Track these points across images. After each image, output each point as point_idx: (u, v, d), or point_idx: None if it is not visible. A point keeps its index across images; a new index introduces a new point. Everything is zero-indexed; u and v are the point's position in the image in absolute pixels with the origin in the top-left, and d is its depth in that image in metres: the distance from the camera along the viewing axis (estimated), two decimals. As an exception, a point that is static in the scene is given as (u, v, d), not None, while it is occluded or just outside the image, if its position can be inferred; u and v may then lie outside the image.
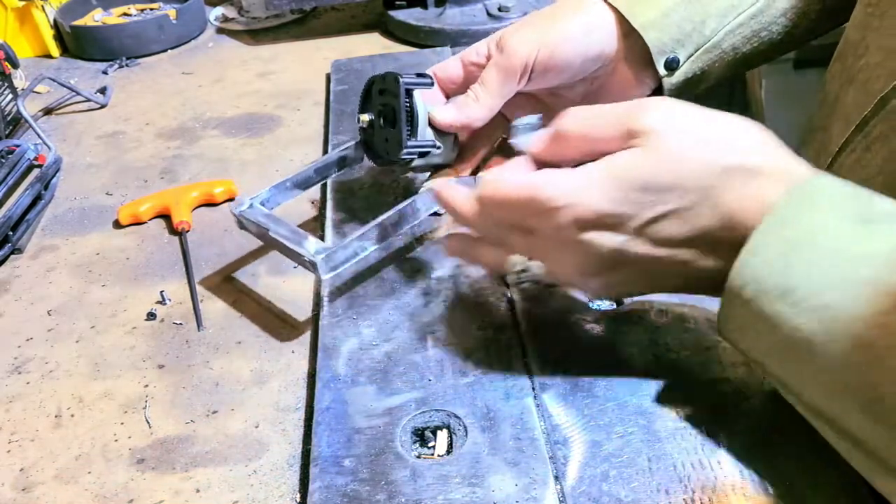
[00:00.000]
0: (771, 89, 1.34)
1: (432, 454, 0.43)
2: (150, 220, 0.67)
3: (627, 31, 0.54)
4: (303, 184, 0.59)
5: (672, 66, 0.56)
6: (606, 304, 0.51)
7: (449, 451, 0.43)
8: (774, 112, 1.33)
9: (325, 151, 0.69)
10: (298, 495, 0.43)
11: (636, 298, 0.51)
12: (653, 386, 0.45)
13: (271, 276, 0.59)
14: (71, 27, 0.98)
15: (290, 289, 0.58)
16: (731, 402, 0.44)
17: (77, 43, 1.00)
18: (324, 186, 0.69)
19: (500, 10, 0.93)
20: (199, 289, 0.58)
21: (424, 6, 0.97)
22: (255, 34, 1.03)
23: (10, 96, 0.83)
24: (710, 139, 0.40)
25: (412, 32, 0.95)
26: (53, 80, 0.87)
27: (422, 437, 0.44)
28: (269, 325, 0.54)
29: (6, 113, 0.81)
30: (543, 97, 0.60)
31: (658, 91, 0.58)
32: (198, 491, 0.44)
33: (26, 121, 0.79)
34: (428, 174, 0.60)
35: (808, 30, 0.61)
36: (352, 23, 1.05)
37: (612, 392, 0.45)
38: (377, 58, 0.88)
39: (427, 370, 0.47)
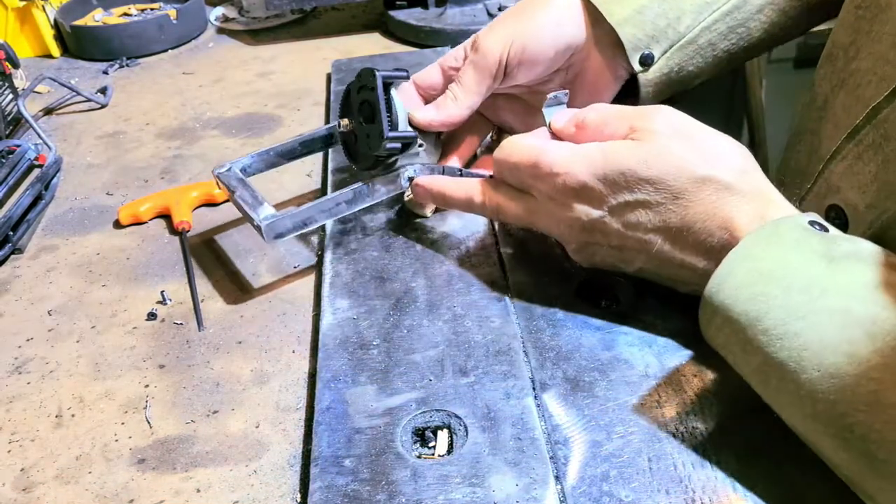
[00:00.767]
0: (771, 89, 1.34)
1: (433, 454, 0.43)
2: (150, 220, 0.67)
3: (597, 19, 0.56)
4: (287, 154, 0.61)
5: (647, 61, 0.57)
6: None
7: (449, 451, 0.43)
8: (774, 112, 1.33)
9: (325, 152, 0.70)
10: (299, 495, 0.43)
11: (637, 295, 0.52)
12: (653, 386, 0.45)
13: (271, 275, 0.59)
14: (71, 27, 0.98)
15: (290, 289, 0.58)
16: (732, 401, 0.44)
17: (77, 43, 1.00)
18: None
19: (500, 10, 0.93)
20: (199, 289, 0.58)
21: (425, 6, 0.97)
22: (256, 34, 1.03)
23: (11, 96, 0.83)
24: (696, 150, 0.44)
25: (412, 32, 0.95)
26: (54, 80, 0.87)
27: (422, 437, 0.44)
28: (269, 325, 0.54)
29: (6, 113, 0.81)
30: (525, 96, 0.61)
31: (634, 83, 0.59)
32: (198, 491, 0.44)
33: (27, 121, 0.79)
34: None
35: (786, 27, 0.61)
36: (352, 23, 1.05)
37: (612, 392, 0.45)
38: (377, 58, 0.88)
39: (427, 370, 0.47)
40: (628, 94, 0.61)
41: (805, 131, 0.57)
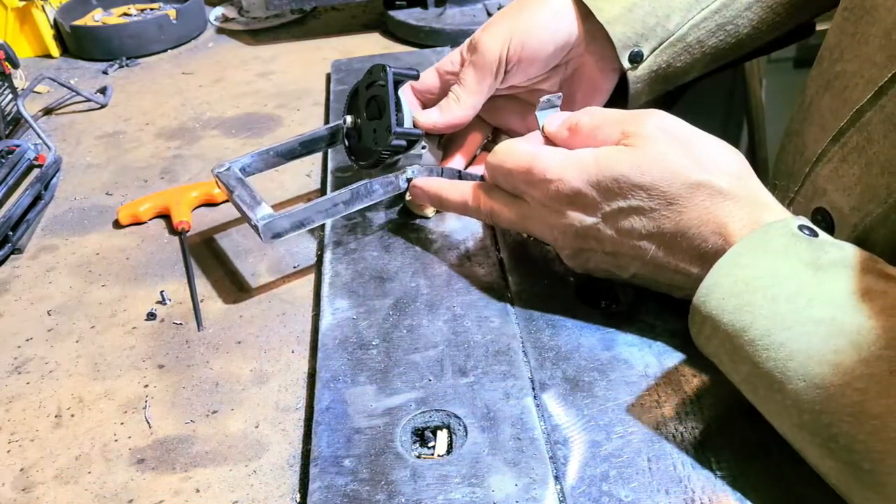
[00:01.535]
0: (771, 89, 1.35)
1: (432, 454, 0.43)
2: (150, 220, 0.67)
3: (587, 17, 0.57)
4: (286, 154, 0.61)
5: (636, 59, 0.58)
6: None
7: (449, 451, 0.43)
8: (774, 112, 1.33)
9: (325, 152, 0.70)
10: (298, 495, 0.43)
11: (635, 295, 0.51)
12: (652, 386, 0.45)
13: (271, 275, 0.59)
14: (71, 27, 0.98)
15: (289, 288, 0.58)
16: (731, 402, 0.44)
17: (77, 43, 1.00)
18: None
19: (499, 9, 0.93)
20: (198, 289, 0.58)
21: (425, 6, 0.97)
22: (255, 34, 1.03)
23: (10, 96, 0.83)
24: (690, 155, 0.44)
25: (412, 32, 0.95)
26: (53, 80, 0.87)
27: (422, 437, 0.44)
28: (269, 325, 0.54)
29: (6, 113, 0.81)
30: (523, 96, 0.61)
31: (623, 80, 0.60)
32: (198, 491, 0.44)
33: (26, 121, 0.79)
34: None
35: (775, 24, 0.61)
36: (352, 23, 1.05)
37: (612, 392, 0.45)
38: (377, 58, 0.88)
39: (427, 370, 0.47)
40: (617, 91, 0.61)
41: (793, 133, 0.57)
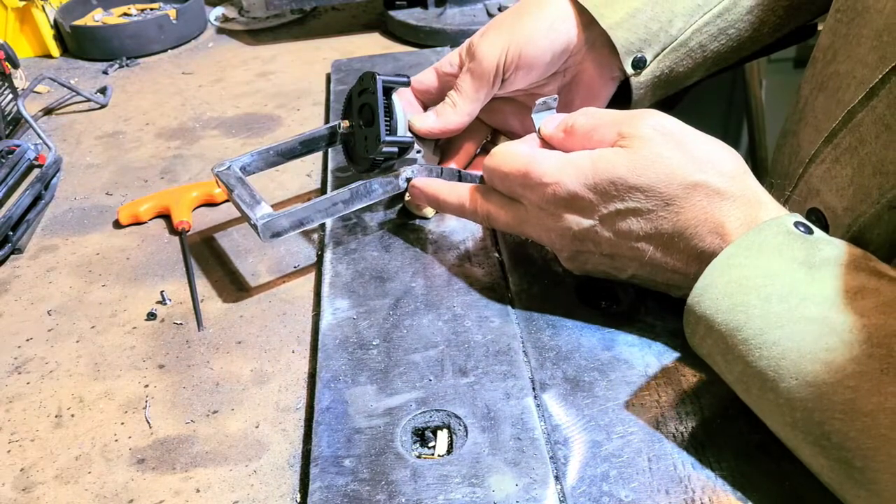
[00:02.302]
0: (771, 89, 1.35)
1: (432, 454, 0.43)
2: (150, 220, 0.67)
3: (589, 22, 0.57)
4: (287, 153, 0.61)
5: (639, 65, 0.58)
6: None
7: (449, 451, 0.43)
8: (774, 112, 1.33)
9: (325, 152, 0.70)
10: (298, 495, 0.43)
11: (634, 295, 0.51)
12: (652, 386, 0.45)
13: (271, 275, 0.59)
14: (71, 27, 0.98)
15: (289, 288, 0.58)
16: (731, 401, 0.44)
17: (77, 43, 1.00)
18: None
19: (500, 10, 0.93)
20: (199, 289, 0.58)
21: (425, 6, 0.97)
22: (255, 34, 1.03)
23: (11, 96, 0.83)
24: (686, 155, 0.44)
25: (412, 32, 0.95)
26: (53, 80, 0.87)
27: (422, 437, 0.44)
28: (269, 325, 0.54)
29: (6, 113, 0.81)
30: (521, 99, 0.61)
31: (627, 85, 0.60)
32: (198, 491, 0.44)
33: (26, 121, 0.79)
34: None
35: (776, 27, 0.62)
36: (352, 23, 1.05)
37: (612, 392, 0.45)
38: (377, 58, 0.88)
39: (427, 370, 0.47)
40: (620, 96, 0.61)
41: (789, 133, 0.57)
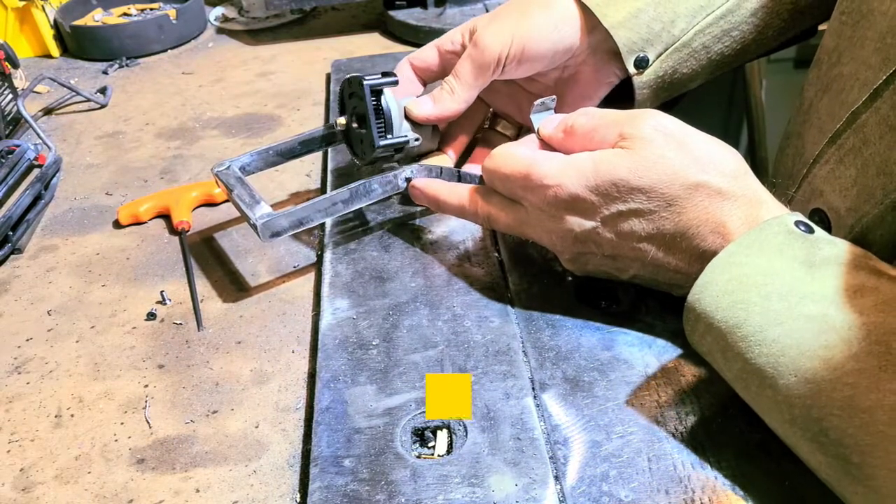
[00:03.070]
0: (771, 89, 1.35)
1: (432, 454, 0.43)
2: (150, 220, 0.67)
3: (592, 26, 0.57)
4: (286, 153, 0.61)
5: (641, 64, 0.58)
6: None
7: (449, 451, 0.43)
8: (774, 112, 1.33)
9: (325, 152, 0.70)
10: (298, 495, 0.43)
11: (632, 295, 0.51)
12: (652, 386, 0.45)
13: (271, 275, 0.59)
14: (71, 27, 0.98)
15: (289, 288, 0.58)
16: (731, 401, 0.44)
17: (77, 43, 1.00)
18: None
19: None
20: (198, 289, 0.58)
21: (424, 6, 0.97)
22: (255, 34, 1.03)
23: (10, 96, 0.83)
24: (688, 155, 0.44)
25: (412, 32, 0.95)
26: (53, 80, 0.87)
27: (422, 437, 0.44)
28: (269, 325, 0.54)
29: (6, 113, 0.81)
30: (520, 82, 0.61)
31: (625, 83, 0.60)
32: (198, 491, 0.44)
33: (26, 121, 0.79)
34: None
35: (780, 30, 0.62)
36: (352, 23, 1.05)
37: (612, 392, 0.45)
38: (377, 58, 0.88)
39: (427, 370, 0.47)
40: (624, 97, 0.61)
41: (792, 135, 0.57)
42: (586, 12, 0.56)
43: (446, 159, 0.62)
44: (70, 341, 0.55)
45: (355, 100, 0.57)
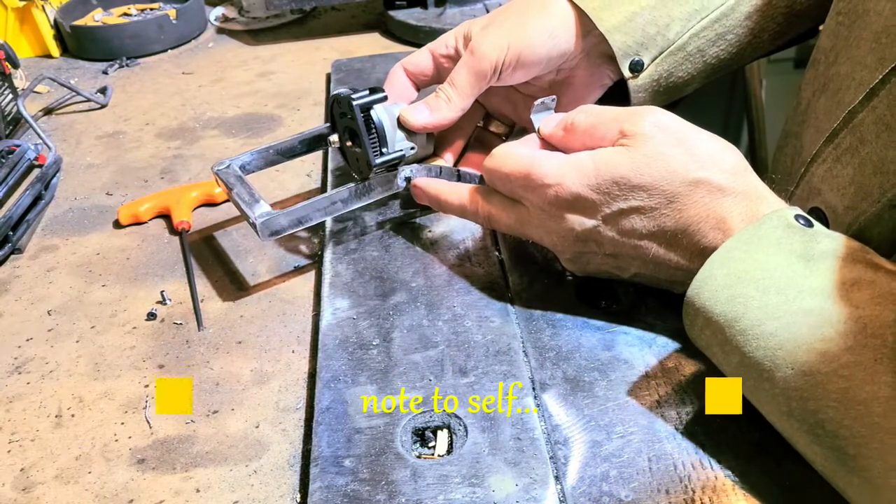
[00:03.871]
0: (771, 89, 1.35)
1: (432, 454, 0.43)
2: (150, 220, 0.67)
3: (587, 30, 0.57)
4: (286, 152, 0.61)
5: (636, 68, 0.58)
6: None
7: (449, 451, 0.43)
8: (774, 112, 1.33)
9: (325, 151, 0.70)
10: (298, 495, 0.43)
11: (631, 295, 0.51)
12: (652, 386, 0.45)
13: (271, 275, 0.59)
14: (71, 27, 0.98)
15: (289, 288, 0.58)
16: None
17: (77, 43, 1.00)
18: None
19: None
20: (199, 289, 0.58)
21: (424, 6, 0.97)
22: (255, 34, 1.03)
23: (11, 96, 0.83)
24: (688, 152, 0.44)
25: (412, 32, 0.95)
26: (53, 80, 0.87)
27: (422, 437, 0.44)
28: (269, 325, 0.54)
29: (6, 113, 0.81)
30: (515, 85, 0.61)
31: (622, 86, 0.60)
32: (198, 491, 0.44)
33: (26, 121, 0.79)
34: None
35: (775, 34, 0.62)
36: (352, 23, 1.05)
37: (612, 392, 0.45)
38: (377, 58, 0.88)
39: (427, 370, 0.47)
40: (620, 102, 0.61)
41: (790, 135, 0.57)
42: (581, 16, 0.56)
43: (443, 163, 0.61)
44: (70, 341, 0.55)
45: (346, 119, 0.57)
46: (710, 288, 0.41)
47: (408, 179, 0.56)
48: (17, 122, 0.83)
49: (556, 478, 0.41)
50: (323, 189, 0.68)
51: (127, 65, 0.97)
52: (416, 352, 0.49)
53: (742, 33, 0.60)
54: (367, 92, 0.55)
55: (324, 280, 0.56)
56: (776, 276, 0.39)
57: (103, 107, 0.87)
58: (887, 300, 0.37)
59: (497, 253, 0.57)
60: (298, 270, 0.59)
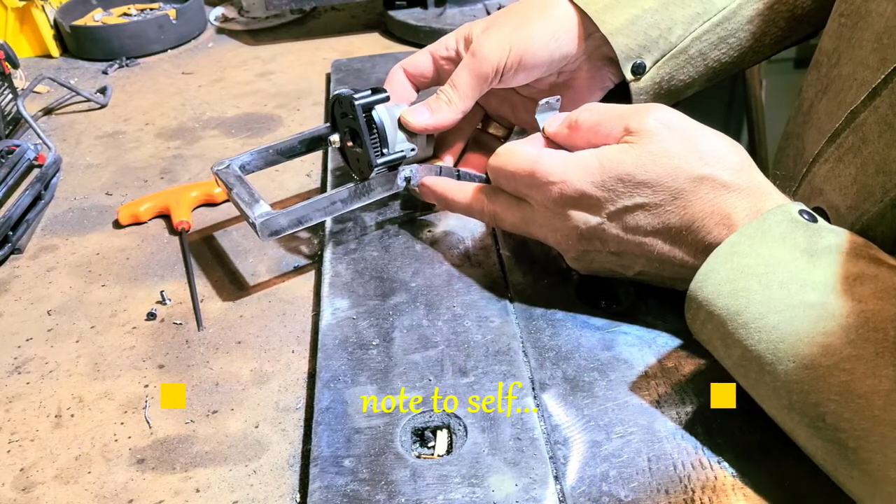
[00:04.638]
0: (771, 89, 1.35)
1: (432, 454, 0.43)
2: (150, 220, 0.67)
3: (589, 33, 0.57)
4: (286, 152, 0.61)
5: (638, 71, 0.58)
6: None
7: (449, 451, 0.43)
8: (774, 112, 1.33)
9: (325, 151, 0.70)
10: (298, 495, 0.43)
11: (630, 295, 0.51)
12: (652, 385, 0.45)
13: (271, 275, 0.59)
14: (71, 27, 0.98)
15: (289, 288, 0.58)
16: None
17: (77, 43, 1.00)
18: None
19: (500, 9, 0.93)
20: (199, 289, 0.58)
21: (424, 6, 0.97)
22: (255, 34, 1.03)
23: (10, 96, 0.83)
24: (692, 149, 0.44)
25: (412, 32, 0.95)
26: (53, 80, 0.87)
27: (422, 437, 0.44)
28: (269, 325, 0.54)
29: (6, 113, 0.81)
30: (514, 87, 0.61)
31: (624, 88, 0.60)
32: (198, 491, 0.44)
33: (26, 121, 0.79)
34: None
35: (777, 38, 0.62)
36: (352, 23, 1.05)
37: (612, 392, 0.45)
38: (377, 58, 0.88)
39: (427, 370, 0.47)
40: (622, 103, 0.61)
41: (792, 135, 0.57)
42: (584, 19, 0.56)
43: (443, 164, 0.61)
44: (70, 341, 0.55)
45: (347, 120, 0.57)
46: (714, 282, 0.41)
47: (407, 180, 0.56)
48: (16, 122, 0.83)
49: (556, 478, 0.41)
50: (323, 189, 0.68)
51: (127, 65, 0.97)
52: (416, 352, 0.49)
53: (744, 37, 0.60)
54: (368, 92, 0.55)
55: (323, 280, 0.56)
56: (779, 271, 0.39)
57: (103, 107, 0.87)
58: (889, 295, 0.37)
59: (497, 253, 0.57)
60: (298, 270, 0.59)
